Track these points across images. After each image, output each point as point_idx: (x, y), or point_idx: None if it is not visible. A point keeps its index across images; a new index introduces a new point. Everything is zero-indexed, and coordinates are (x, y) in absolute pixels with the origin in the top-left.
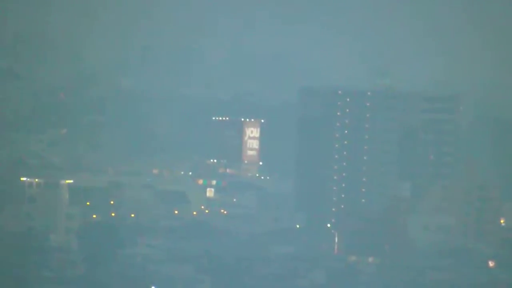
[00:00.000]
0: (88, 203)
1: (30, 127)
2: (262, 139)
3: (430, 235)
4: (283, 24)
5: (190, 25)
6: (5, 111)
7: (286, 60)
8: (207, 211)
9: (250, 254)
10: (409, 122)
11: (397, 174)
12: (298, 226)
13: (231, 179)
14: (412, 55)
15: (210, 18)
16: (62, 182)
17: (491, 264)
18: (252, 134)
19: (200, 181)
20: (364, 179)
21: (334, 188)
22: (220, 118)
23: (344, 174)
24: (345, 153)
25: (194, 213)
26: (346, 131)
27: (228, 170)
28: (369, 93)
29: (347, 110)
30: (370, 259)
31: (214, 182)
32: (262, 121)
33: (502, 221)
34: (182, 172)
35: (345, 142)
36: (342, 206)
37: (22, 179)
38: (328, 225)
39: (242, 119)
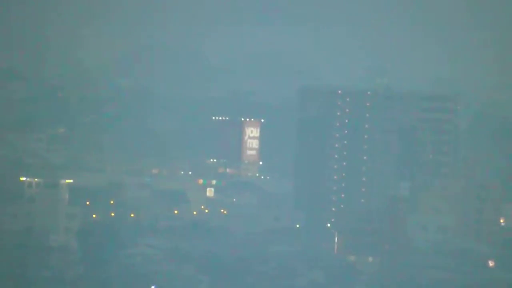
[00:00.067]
0: (88, 203)
1: (30, 127)
2: (262, 138)
3: (429, 234)
4: (283, 24)
5: (189, 25)
6: (4, 111)
7: (286, 60)
8: (207, 210)
9: (250, 254)
10: (408, 121)
11: (396, 174)
12: (298, 225)
13: (231, 179)
14: (411, 55)
15: (210, 18)
16: (62, 182)
17: (490, 264)
18: (252, 133)
19: (200, 181)
20: (363, 178)
21: (334, 187)
22: (220, 118)
23: (343, 174)
24: (344, 153)
25: (194, 213)
26: (345, 131)
27: (228, 170)
28: (368, 93)
29: (347, 110)
30: (370, 259)
31: (214, 182)
32: (262, 120)
33: (501, 221)
34: (182, 172)
35: (345, 142)
36: (342, 206)
37: (21, 179)
38: (328, 224)
39: (242, 119)
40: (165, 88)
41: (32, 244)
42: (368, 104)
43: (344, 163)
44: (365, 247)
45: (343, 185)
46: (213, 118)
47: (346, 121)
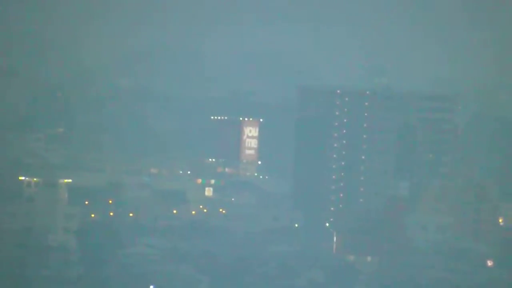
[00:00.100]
0: (86, 203)
1: (29, 127)
2: (260, 138)
3: (428, 234)
4: (282, 23)
5: (189, 24)
6: (3, 111)
7: (285, 59)
8: (205, 210)
9: (248, 253)
10: (407, 121)
11: (395, 174)
12: (296, 225)
13: (229, 179)
14: (410, 55)
15: (209, 17)
16: (61, 181)
17: (489, 263)
18: (250, 133)
19: (199, 181)
20: (362, 178)
21: (333, 187)
22: (219, 117)
23: (342, 174)
24: (343, 152)
25: (193, 212)
26: (344, 131)
27: (226, 170)
28: (367, 93)
29: (346, 110)
30: (369, 258)
31: (212, 181)
32: (261, 120)
33: (500, 221)
34: (180, 172)
35: (344, 142)
36: (341, 205)
37: (20, 178)
38: (327, 224)
39: (241, 118)
40: (164, 87)
41: (31, 243)
42: (367, 104)
43: (343, 163)
44: (364, 247)
45: (341, 184)
46: (212, 117)
47: (345, 120)
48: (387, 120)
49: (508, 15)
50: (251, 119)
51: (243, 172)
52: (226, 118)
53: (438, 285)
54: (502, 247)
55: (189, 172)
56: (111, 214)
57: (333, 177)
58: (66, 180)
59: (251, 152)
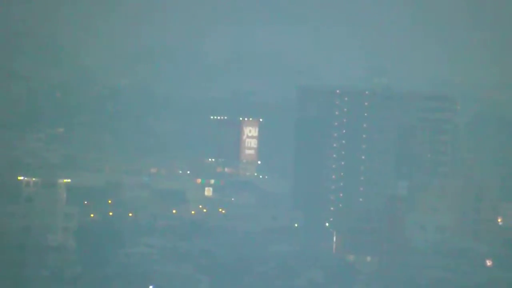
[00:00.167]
0: (85, 202)
1: (28, 126)
2: (260, 138)
3: (428, 234)
4: (281, 23)
5: (188, 24)
6: (2, 111)
7: (285, 59)
8: (205, 210)
9: (248, 253)
10: (406, 121)
11: (394, 173)
12: (296, 225)
13: (229, 178)
14: (410, 55)
15: (209, 17)
16: (60, 181)
17: (488, 263)
18: (250, 133)
19: (199, 180)
20: (362, 178)
21: (332, 187)
22: (218, 117)
23: (342, 173)
24: (343, 152)
25: (193, 212)
26: (344, 131)
27: (226, 169)
28: (367, 93)
29: (345, 110)
30: (368, 258)
31: (212, 181)
32: (261, 120)
33: (499, 220)
34: (180, 171)
35: (343, 141)
36: (340, 205)
37: (19, 178)
38: (326, 224)
39: (240, 118)
40: (163, 87)
41: (30, 243)
42: (366, 104)
43: (343, 163)
44: (364, 247)
45: (341, 184)
46: (212, 117)
47: (344, 120)
48: (386, 120)
49: (508, 15)
50: (250, 119)
51: (243, 172)
52: (225, 118)
53: (438, 285)
54: (502, 247)
55: (188, 172)
56: (111, 214)
57: (333, 177)
58: (65, 180)
59: (251, 152)
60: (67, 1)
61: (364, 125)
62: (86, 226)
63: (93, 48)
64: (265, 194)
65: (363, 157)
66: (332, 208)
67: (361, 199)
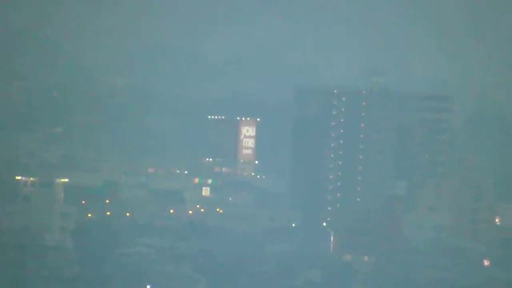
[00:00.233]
0: (83, 202)
1: (25, 126)
2: (257, 138)
3: (425, 233)
4: (280, 23)
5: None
6: (1, 110)
7: (282, 59)
8: (202, 210)
9: (246, 253)
10: (404, 121)
11: (392, 173)
12: (293, 224)
13: (226, 178)
14: (408, 55)
15: (208, 17)
16: (57, 181)
17: (486, 263)
18: (248, 133)
19: (196, 180)
20: (359, 178)
21: (330, 187)
22: (216, 117)
23: (339, 173)
24: (340, 152)
25: (190, 212)
26: (341, 130)
27: (224, 169)
28: (364, 92)
29: (343, 109)
30: (366, 258)
31: (210, 181)
32: (258, 120)
33: (497, 220)
34: (177, 171)
35: (341, 141)
36: (338, 205)
37: (17, 178)
38: (324, 224)
39: (238, 118)
40: (162, 87)
41: (27, 243)
42: (364, 104)
43: (340, 162)
44: (361, 246)
45: (339, 184)
46: (209, 117)
47: (342, 120)
48: (384, 119)
49: (508, 15)
50: (248, 118)
51: (240, 172)
52: (223, 117)
53: (436, 284)
54: (499, 246)
55: (186, 172)
56: (108, 213)
57: (331, 176)
58: (63, 180)
59: (248, 151)
60: (66, 1)
61: (362, 125)
62: (83, 225)
63: (92, 48)
64: (262, 194)
65: (360, 157)
66: (329, 208)
67: (358, 199)
